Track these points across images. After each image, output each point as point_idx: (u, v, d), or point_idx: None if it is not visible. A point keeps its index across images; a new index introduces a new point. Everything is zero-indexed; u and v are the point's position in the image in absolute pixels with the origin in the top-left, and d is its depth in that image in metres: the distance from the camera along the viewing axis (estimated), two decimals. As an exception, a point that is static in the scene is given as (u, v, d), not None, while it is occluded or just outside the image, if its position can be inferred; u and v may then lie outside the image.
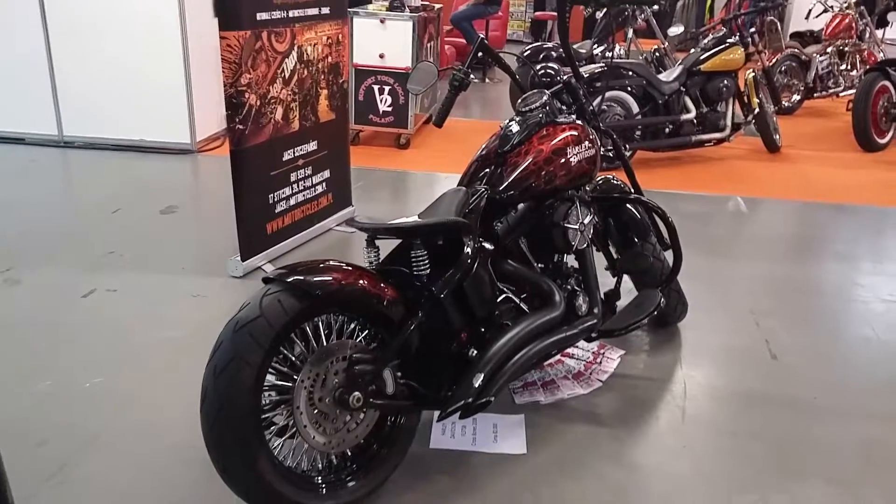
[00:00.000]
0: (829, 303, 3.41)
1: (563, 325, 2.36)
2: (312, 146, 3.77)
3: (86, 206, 4.44)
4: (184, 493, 2.07)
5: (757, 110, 5.84)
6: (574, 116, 2.54)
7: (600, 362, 2.77)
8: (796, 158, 5.99)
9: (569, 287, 2.47)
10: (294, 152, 3.64)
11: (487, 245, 2.24)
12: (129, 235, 3.93)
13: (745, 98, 5.83)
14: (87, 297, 3.24)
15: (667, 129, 5.53)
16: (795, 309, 3.33)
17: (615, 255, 2.91)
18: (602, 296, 2.61)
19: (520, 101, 2.58)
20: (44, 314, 3.08)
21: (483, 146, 2.54)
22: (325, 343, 1.91)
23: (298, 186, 3.72)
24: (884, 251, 4.10)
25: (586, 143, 2.48)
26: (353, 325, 2.00)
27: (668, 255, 2.87)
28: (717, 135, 5.66)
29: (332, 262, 1.95)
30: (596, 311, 2.48)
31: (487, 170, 2.41)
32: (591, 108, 2.66)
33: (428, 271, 2.07)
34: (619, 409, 2.53)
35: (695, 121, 5.58)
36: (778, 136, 6.10)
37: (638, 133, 5.44)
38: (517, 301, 2.35)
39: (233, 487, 1.79)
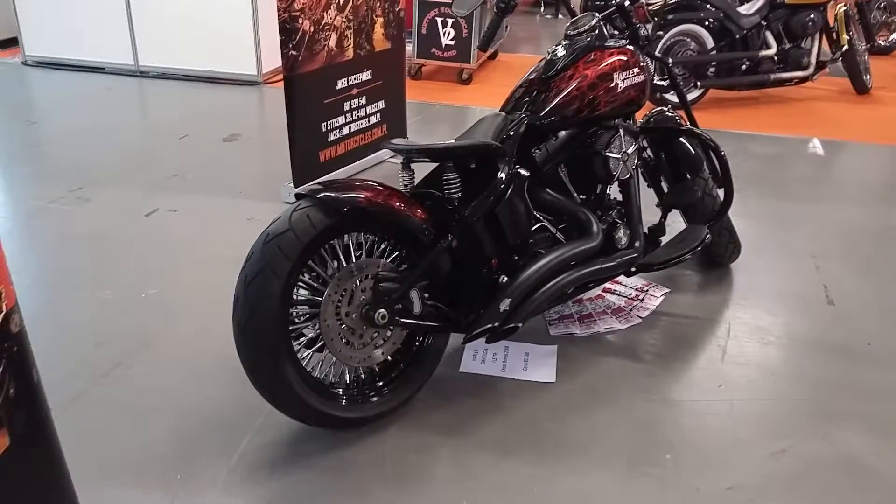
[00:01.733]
0: (901, 251, 3.22)
1: (600, 257, 2.32)
2: (367, 75, 3.77)
3: (155, 132, 4.61)
4: (221, 394, 2.19)
5: (846, 48, 5.44)
6: (625, 42, 2.44)
7: (642, 299, 2.72)
8: (887, 101, 5.58)
9: (609, 219, 2.41)
10: (348, 81, 3.65)
11: (523, 171, 2.20)
12: (192, 160, 4.07)
13: (834, 35, 5.43)
14: (150, 215, 3.39)
15: (744, 66, 5.23)
16: (862, 256, 3.15)
17: (666, 191, 2.82)
18: (646, 230, 2.54)
19: (569, 24, 2.49)
20: (109, 230, 3.25)
21: (530, 71, 2.48)
22: (354, 260, 1.94)
23: (352, 116, 3.74)
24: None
25: (635, 69, 2.38)
26: (383, 246, 2.03)
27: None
28: (800, 73, 5.31)
29: (365, 182, 1.97)
30: (637, 244, 2.42)
31: (530, 96, 2.35)
32: (646, 33, 2.54)
33: (459, 195, 2.06)
34: (656, 345, 2.49)
35: (775, 57, 5.25)
36: (868, 77, 5.68)
37: (712, 70, 5.17)
38: (554, 231, 2.32)
39: (261, 391, 1.88)
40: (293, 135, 3.37)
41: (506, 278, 2.15)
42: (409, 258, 2.05)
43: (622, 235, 2.41)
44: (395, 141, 2.10)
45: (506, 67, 6.48)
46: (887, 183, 4.07)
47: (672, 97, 4.66)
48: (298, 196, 1.93)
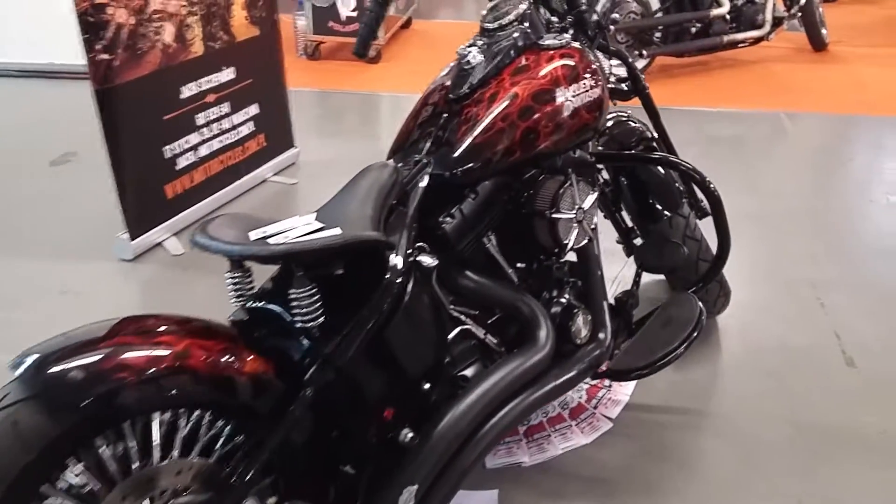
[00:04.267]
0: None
1: (553, 368, 1.55)
2: (228, 74, 2.85)
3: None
4: None
5: (803, 1, 4.76)
6: (569, 36, 1.63)
7: (609, 386, 1.98)
8: (847, 58, 4.95)
9: (562, 301, 1.63)
10: (199, 85, 2.72)
11: (427, 259, 1.39)
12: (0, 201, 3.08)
13: (790, -15, 4.76)
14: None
15: (693, 29, 4.50)
16: (872, 283, 2.48)
17: (629, 224, 2.07)
18: (611, 299, 1.78)
19: (486, 10, 1.67)
20: None
21: (430, 86, 1.66)
22: (136, 463, 1.11)
23: (211, 131, 2.83)
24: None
25: (587, 78, 1.57)
26: (204, 419, 1.19)
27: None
28: (755, 33, 4.61)
29: (132, 323, 1.12)
30: (602, 335, 1.66)
31: (432, 132, 1.53)
32: (596, 16, 1.74)
33: (319, 320, 1.24)
34: (640, 468, 1.75)
35: (727, 17, 4.53)
36: (825, 32, 5.04)
37: (658, 35, 4.42)
38: (482, 333, 1.52)
39: None
40: (119, 170, 2.44)
41: (411, 434, 1.35)
42: (240, 437, 1.22)
43: (581, 325, 1.63)
44: (200, 235, 1.23)
45: (421, 39, 5.58)
46: (872, 166, 3.43)
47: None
48: (16, 367, 1.06)
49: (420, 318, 1.37)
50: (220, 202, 2.97)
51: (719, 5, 4.46)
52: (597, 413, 1.89)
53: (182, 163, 2.71)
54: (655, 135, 2.01)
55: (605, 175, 2.02)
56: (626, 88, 1.93)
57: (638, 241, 1.99)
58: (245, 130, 3.01)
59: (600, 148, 2.05)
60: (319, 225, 1.24)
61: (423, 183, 1.46)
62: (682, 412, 1.93)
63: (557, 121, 1.51)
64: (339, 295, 1.26)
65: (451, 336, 1.46)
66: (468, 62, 1.57)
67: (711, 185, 1.82)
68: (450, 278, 1.48)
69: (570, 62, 1.56)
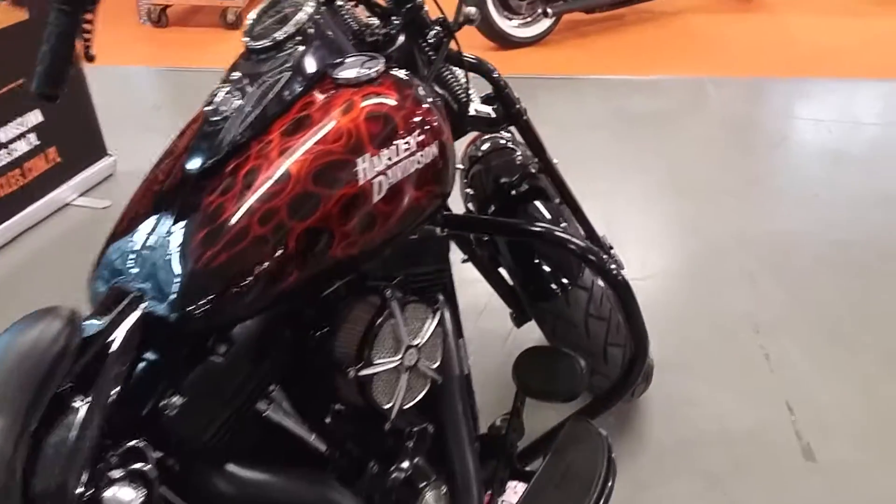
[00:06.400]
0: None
1: None
2: (-20, 77, 2.10)
3: None
4: None
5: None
6: (381, 63, 0.98)
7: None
8: (775, 6, 4.45)
9: (397, 475, 1.05)
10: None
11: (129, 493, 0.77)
12: None
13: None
14: None
15: (603, -20, 3.89)
16: (822, 307, 2.00)
17: (509, 282, 1.51)
18: (480, 433, 1.21)
19: (251, 17, 1.03)
20: None
21: (168, 145, 1.01)
22: None
23: (-39, 156, 2.09)
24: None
25: (413, 131, 0.94)
26: None
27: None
28: (674, -19, 4.05)
29: None
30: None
31: (154, 230, 0.90)
32: (439, 31, 1.13)
33: None
34: None
35: (642, -37, 3.93)
36: (750, -25, 4.50)
37: (564, -12, 3.79)
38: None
39: None
40: None
41: None
42: None
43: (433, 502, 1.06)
44: None
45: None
46: (809, 149, 2.95)
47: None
48: None
49: None
50: (5, 237, 2.26)
51: (633, -50, 3.85)
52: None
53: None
54: (544, 165, 1.43)
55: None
56: (493, 115, 1.32)
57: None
58: (23, 147, 2.26)
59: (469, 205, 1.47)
60: None
61: (131, 335, 0.83)
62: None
63: (362, 212, 0.90)
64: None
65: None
66: (217, 111, 0.94)
67: (615, 271, 1.24)
68: (201, 487, 0.88)
69: (383, 107, 0.93)
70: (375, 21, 1.11)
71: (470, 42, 3.85)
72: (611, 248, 1.57)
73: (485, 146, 1.53)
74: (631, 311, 1.26)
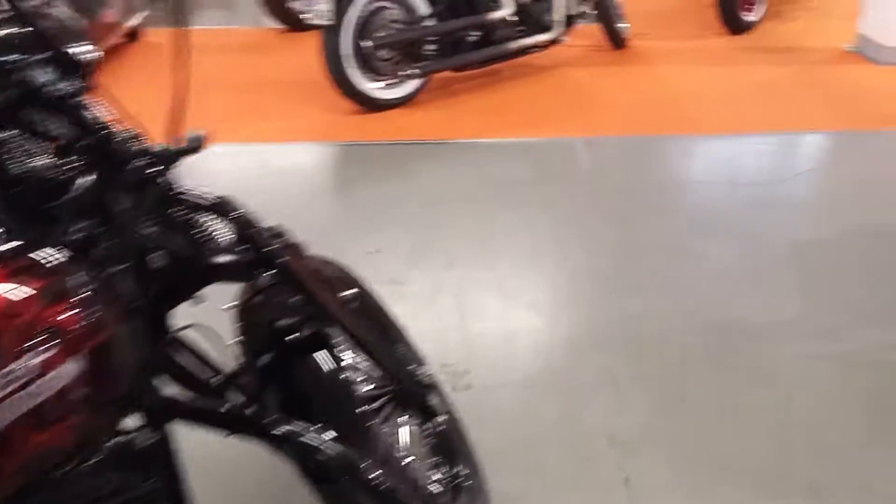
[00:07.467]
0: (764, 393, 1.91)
1: None
2: None
3: None
4: None
5: (596, -5, 4.16)
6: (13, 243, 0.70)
7: None
8: (650, 55, 4.43)
9: None
10: None
11: None
12: None
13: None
14: None
15: (473, 38, 3.74)
16: (690, 416, 1.81)
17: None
18: None
19: None
20: None
21: None
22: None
23: None
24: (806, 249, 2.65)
25: (42, 348, 0.67)
26: None
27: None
28: (545, 36, 3.94)
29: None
30: None
31: None
32: (151, 152, 0.87)
33: None
34: None
35: (513, 18, 3.81)
36: (623, 26, 4.46)
37: (433, 48, 3.61)
38: None
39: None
40: None
41: None
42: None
43: None
44: None
45: (159, 55, 4.44)
46: (684, 222, 2.82)
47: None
48: None
49: None
50: None
51: (500, 7, 3.71)
52: None
53: None
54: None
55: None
56: (240, 260, 1.05)
57: None
58: None
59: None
60: None
61: None
62: None
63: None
64: None
65: None
66: None
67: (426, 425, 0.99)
68: None
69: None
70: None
71: (332, 105, 3.65)
72: (429, 384, 1.33)
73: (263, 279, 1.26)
74: (452, 449, 1.01)
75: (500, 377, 1.93)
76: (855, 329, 2.10)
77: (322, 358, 1.16)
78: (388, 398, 1.23)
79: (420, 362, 1.48)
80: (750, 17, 4.92)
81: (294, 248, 1.13)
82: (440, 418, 1.01)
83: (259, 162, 3.11)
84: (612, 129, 3.43)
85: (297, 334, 1.15)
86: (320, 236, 2.49)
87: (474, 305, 2.21)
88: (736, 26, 4.85)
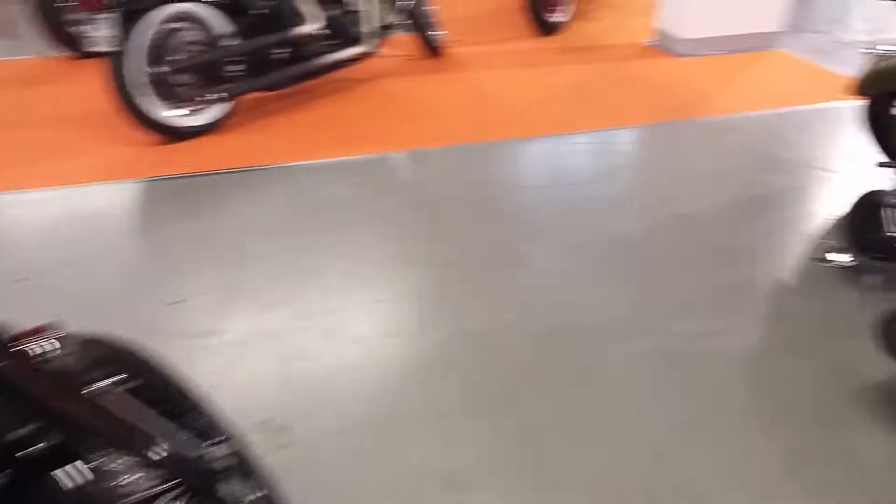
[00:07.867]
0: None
1: None
2: None
3: None
4: None
5: (412, 2, 4.11)
6: None
7: None
8: (467, 61, 4.44)
9: None
10: None
11: None
12: None
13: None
14: None
15: (281, 55, 3.55)
16: (530, 451, 1.77)
17: None
18: None
19: None
20: None
21: None
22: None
23: None
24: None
25: None
26: None
27: None
28: (357, 49, 3.82)
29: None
30: None
31: None
32: None
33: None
34: None
35: (322, 32, 3.65)
36: (436, 33, 4.44)
37: (239, 68, 3.38)
38: None
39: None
40: None
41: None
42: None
43: None
44: None
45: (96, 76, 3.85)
46: (460, 225, 2.81)
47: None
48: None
49: None
50: None
51: (305, 20, 3.55)
52: None
53: None
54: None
55: None
56: None
57: None
58: None
59: None
60: None
61: None
62: None
63: None
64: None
65: None
66: None
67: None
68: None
69: None
70: None
71: (131, 138, 3.28)
72: (224, 468, 1.16)
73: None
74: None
75: (324, 425, 1.79)
76: (674, 321, 2.17)
77: (66, 473, 0.96)
78: (169, 499, 1.06)
79: (219, 438, 1.30)
80: (558, 17, 5.08)
81: (14, 349, 0.93)
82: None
83: (47, 211, 2.75)
84: (433, 139, 3.38)
85: (29, 449, 0.94)
86: (116, 293, 2.26)
87: (295, 348, 2.05)
88: (545, 28, 4.99)
